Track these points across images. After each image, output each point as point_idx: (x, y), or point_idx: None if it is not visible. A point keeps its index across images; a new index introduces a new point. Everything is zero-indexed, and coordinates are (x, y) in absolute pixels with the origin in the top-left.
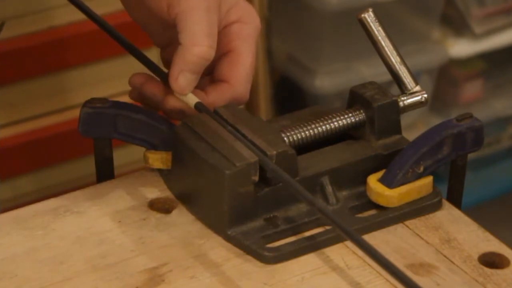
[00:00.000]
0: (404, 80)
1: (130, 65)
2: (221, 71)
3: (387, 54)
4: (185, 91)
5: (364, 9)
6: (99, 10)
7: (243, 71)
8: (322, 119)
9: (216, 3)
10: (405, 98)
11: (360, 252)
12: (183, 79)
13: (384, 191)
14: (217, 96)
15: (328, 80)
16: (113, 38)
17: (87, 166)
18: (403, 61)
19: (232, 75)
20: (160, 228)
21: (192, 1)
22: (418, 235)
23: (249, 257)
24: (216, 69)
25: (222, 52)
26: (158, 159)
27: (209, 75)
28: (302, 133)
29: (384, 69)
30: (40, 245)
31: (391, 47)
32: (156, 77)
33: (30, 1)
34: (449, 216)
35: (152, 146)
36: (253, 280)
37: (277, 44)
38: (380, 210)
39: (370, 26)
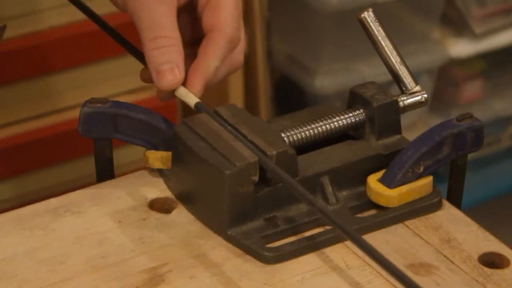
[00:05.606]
0: (404, 80)
1: (130, 65)
2: (207, 21)
3: (387, 54)
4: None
5: (364, 9)
6: (99, 10)
7: (226, 12)
8: (322, 119)
9: None
10: (405, 98)
11: (360, 252)
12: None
13: (384, 191)
14: (211, 48)
15: (328, 80)
16: (113, 38)
17: (87, 166)
18: (403, 61)
19: (217, 21)
20: (160, 228)
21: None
22: (418, 235)
23: (249, 257)
24: (202, 21)
25: (203, 4)
26: (158, 159)
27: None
28: (302, 133)
29: (384, 69)
30: (40, 245)
31: (391, 47)
32: None
33: (30, 1)
34: (449, 216)
35: (152, 146)
36: (253, 280)
37: (277, 44)
38: (380, 210)
39: (370, 26)
